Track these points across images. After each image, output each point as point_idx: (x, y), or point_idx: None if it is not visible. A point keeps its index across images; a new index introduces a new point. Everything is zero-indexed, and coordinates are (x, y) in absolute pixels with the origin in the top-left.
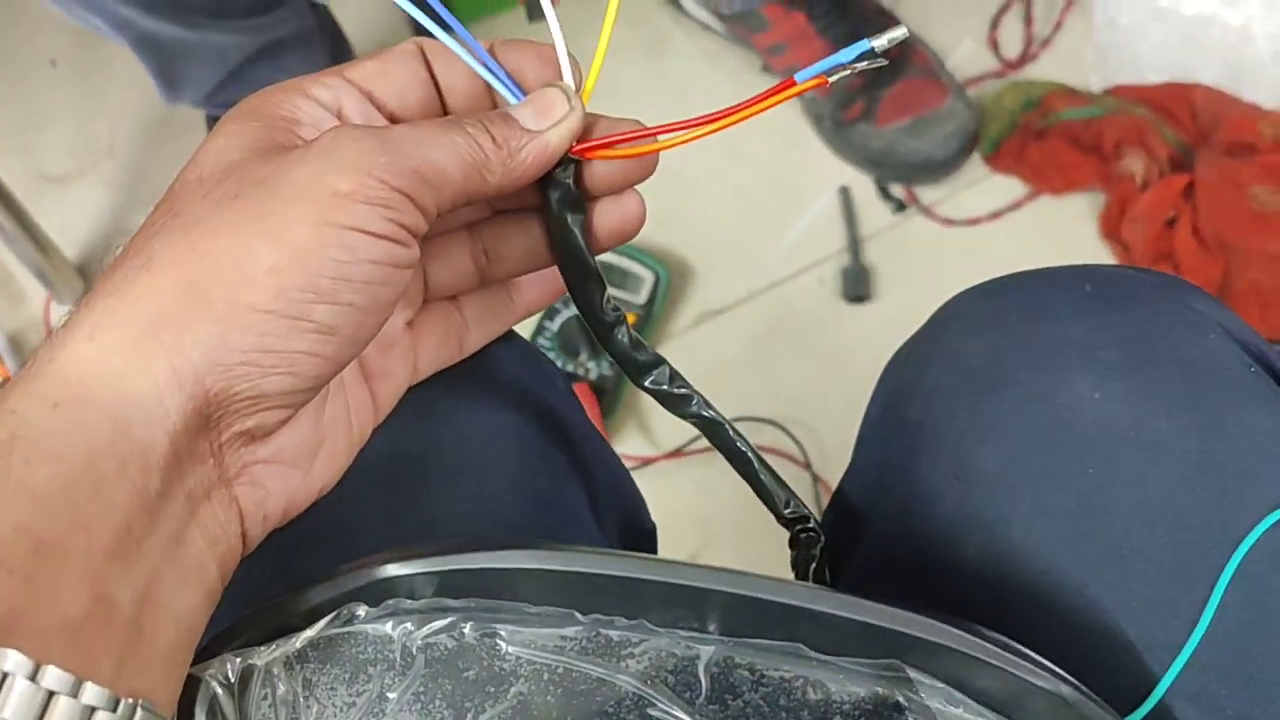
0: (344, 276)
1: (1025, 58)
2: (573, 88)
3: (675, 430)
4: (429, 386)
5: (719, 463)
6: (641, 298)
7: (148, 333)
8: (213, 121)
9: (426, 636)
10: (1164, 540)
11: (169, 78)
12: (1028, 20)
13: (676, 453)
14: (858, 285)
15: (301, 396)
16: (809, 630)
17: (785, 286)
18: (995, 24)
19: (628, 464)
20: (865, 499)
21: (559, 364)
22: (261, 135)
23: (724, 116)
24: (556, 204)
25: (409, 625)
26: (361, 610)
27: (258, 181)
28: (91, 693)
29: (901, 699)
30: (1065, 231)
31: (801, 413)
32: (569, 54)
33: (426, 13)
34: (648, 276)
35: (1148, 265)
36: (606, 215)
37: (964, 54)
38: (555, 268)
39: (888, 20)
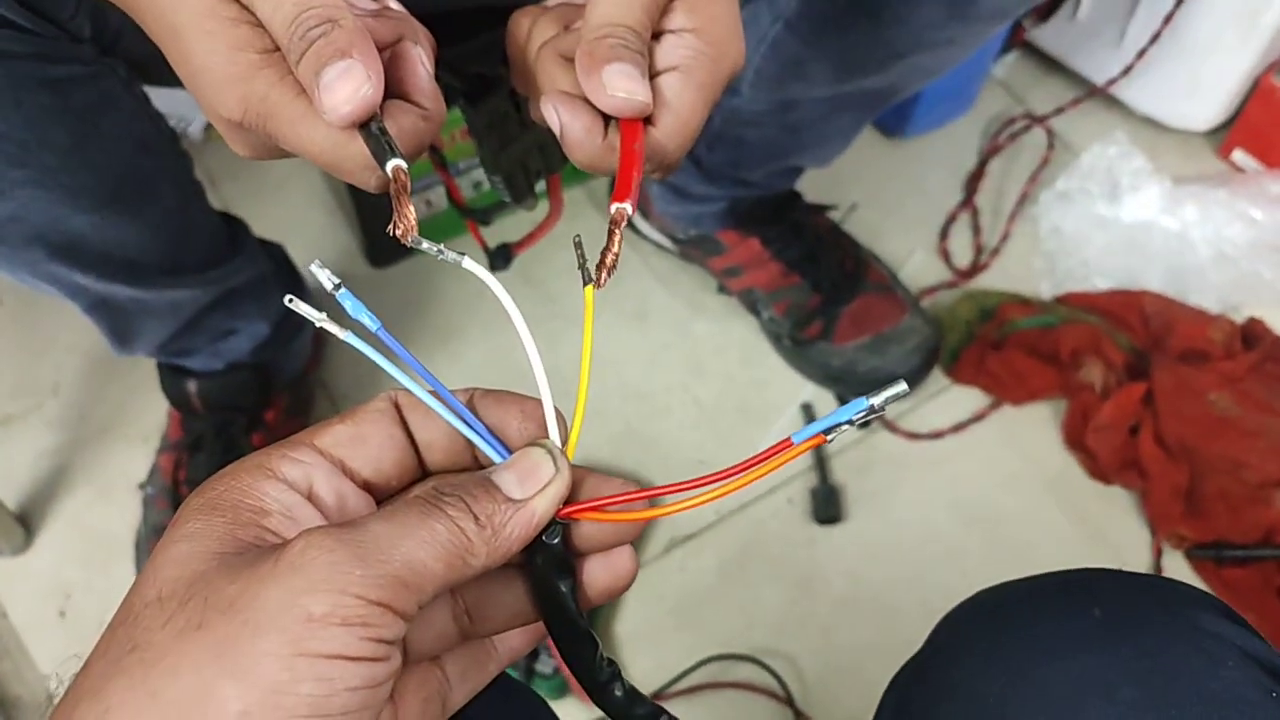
0: (321, 713)
1: (976, 267)
2: (558, 445)
3: (652, 665)
4: None
5: (698, 703)
6: None
7: None
8: (164, 367)
9: None
10: None
11: (121, 335)
12: (976, 230)
13: (655, 697)
14: (828, 506)
15: None
16: None
17: (755, 508)
18: (945, 234)
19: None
20: None
21: None
22: (226, 535)
23: (723, 479)
24: (542, 567)
25: None
26: None
27: (224, 605)
28: None
29: None
30: (1029, 441)
31: (779, 642)
32: (556, 410)
33: (404, 370)
34: None
35: (1114, 473)
36: (596, 574)
37: (916, 265)
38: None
39: (842, 239)
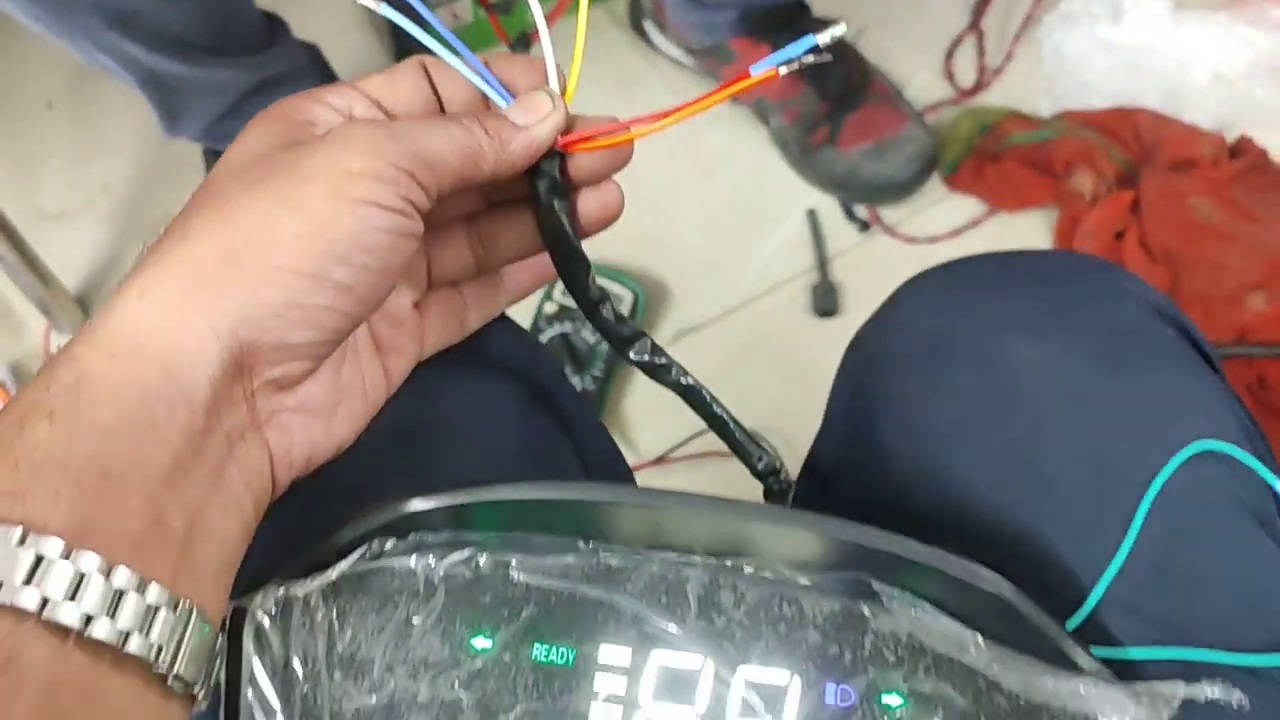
0: (356, 245)
1: (979, 86)
2: (557, 91)
3: (657, 439)
4: (434, 364)
5: (700, 470)
6: None
7: (189, 292)
8: (210, 154)
9: (447, 568)
10: (1090, 476)
11: (171, 112)
12: (980, 51)
13: (659, 460)
14: (826, 301)
15: (323, 349)
16: (785, 549)
17: (758, 303)
18: (950, 55)
19: None
20: (832, 459)
21: None
22: (283, 133)
23: (686, 107)
24: (544, 192)
25: (430, 560)
26: (389, 543)
27: (281, 166)
28: (155, 592)
29: (866, 611)
30: (1021, 245)
31: (778, 423)
32: (556, 65)
33: (433, 35)
34: (626, 296)
35: None
36: (589, 203)
37: (921, 83)
38: (543, 255)
39: (848, 52)
